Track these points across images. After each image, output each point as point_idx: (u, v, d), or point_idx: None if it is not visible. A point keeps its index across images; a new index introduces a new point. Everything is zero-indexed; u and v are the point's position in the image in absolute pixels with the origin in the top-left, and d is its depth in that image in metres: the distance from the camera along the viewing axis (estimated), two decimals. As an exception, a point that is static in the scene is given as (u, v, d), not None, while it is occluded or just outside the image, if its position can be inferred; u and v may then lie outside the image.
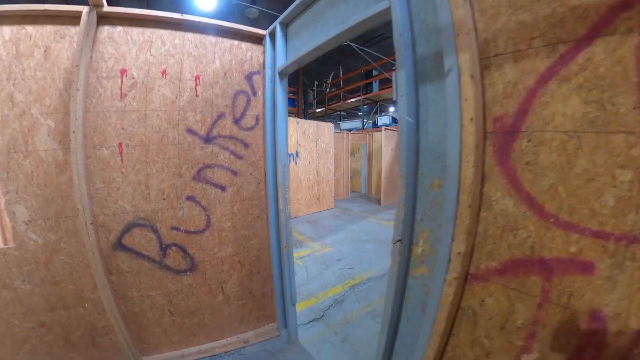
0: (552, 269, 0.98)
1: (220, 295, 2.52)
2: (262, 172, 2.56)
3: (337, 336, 2.75)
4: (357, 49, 8.22)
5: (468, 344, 1.20)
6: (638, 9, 0.81)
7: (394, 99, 1.31)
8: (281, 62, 2.31)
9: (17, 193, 1.98)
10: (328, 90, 14.28)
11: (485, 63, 1.10)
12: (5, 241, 2.05)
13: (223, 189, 2.42)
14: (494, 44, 1.08)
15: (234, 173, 2.45)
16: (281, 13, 2.25)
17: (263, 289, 2.68)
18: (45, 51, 1.98)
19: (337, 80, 13.89)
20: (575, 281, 0.94)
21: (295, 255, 4.77)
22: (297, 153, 7.39)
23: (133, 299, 2.28)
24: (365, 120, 13.67)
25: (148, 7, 8.32)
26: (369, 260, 4.58)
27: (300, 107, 13.53)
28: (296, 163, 7.40)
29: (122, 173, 2.13)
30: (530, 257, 1.02)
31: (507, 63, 1.05)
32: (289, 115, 11.79)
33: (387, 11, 1.34)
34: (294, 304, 2.61)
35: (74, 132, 1.93)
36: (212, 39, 2.31)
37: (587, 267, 0.92)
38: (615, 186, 0.85)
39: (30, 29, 1.98)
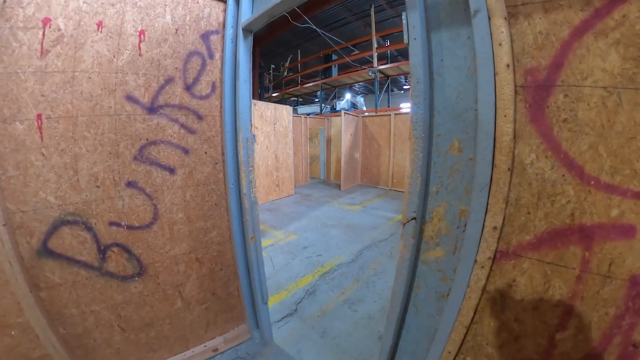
0: (593, 237, 0.92)
1: (178, 301, 2.17)
2: (220, 149, 2.20)
3: (315, 330, 2.59)
4: (318, 31, 7.95)
5: (493, 331, 1.09)
6: None
7: (405, 41, 1.11)
8: (246, 15, 1.99)
9: None
10: (285, 74, 13.89)
11: (512, 11, 0.98)
12: None
13: (172, 171, 2.02)
14: None
15: (186, 151, 2.06)
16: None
17: (228, 288, 2.38)
18: None
19: (294, 64, 13.62)
20: (616, 247, 0.88)
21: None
22: (254, 137, 6.98)
23: (72, 317, 1.83)
24: (323, 105, 13.55)
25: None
26: (337, 246, 4.49)
27: (256, 90, 13.01)
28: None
29: (43, 155, 1.64)
30: (570, 225, 0.95)
31: (536, 12, 0.95)
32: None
33: None
34: (266, 303, 2.38)
35: None
36: None
37: (628, 231, 0.87)
38: None
39: None
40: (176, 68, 1.96)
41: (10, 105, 1.56)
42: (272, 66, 14.24)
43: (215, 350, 2.29)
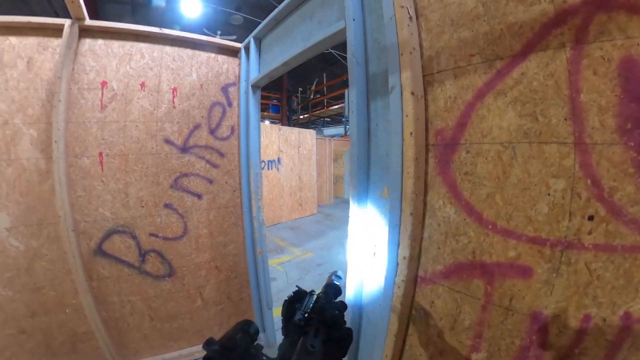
0: (493, 273, 1.03)
1: (198, 300, 2.53)
2: (237, 180, 2.59)
3: (315, 338, 2.85)
4: (338, 56, 8.48)
5: (423, 343, 1.24)
6: (569, 25, 0.87)
7: (346, 114, 1.47)
8: (254, 74, 2.37)
9: None
10: (312, 97, 14.22)
11: (429, 79, 1.16)
12: None
13: (199, 196, 2.46)
14: (437, 61, 1.14)
15: (210, 181, 2.49)
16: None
17: (241, 294, 2.69)
18: (28, 62, 2.00)
19: (320, 87, 13.72)
20: (515, 285, 0.98)
21: (276, 261, 4.81)
22: (279, 160, 7.43)
23: (113, 304, 2.27)
24: (347, 126, 13.83)
25: (133, 15, 8.27)
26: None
27: (284, 113, 13.54)
28: (278, 170, 7.39)
29: (102, 181, 2.14)
30: (472, 261, 1.07)
31: (448, 79, 1.11)
32: (273, 122, 11.81)
33: (343, 31, 1.41)
34: (271, 308, 2.63)
35: (56, 141, 1.95)
36: (189, 52, 2.36)
37: (525, 272, 0.96)
38: (549, 194, 0.90)
39: (14, 40, 1.99)
40: (202, 116, 2.42)
41: (80, 145, 2.08)
42: (300, 89, 14.50)
43: None
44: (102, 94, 2.14)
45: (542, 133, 0.92)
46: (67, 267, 2.12)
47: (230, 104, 2.54)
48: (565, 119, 0.88)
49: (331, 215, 8.50)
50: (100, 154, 2.13)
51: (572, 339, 0.90)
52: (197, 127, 2.42)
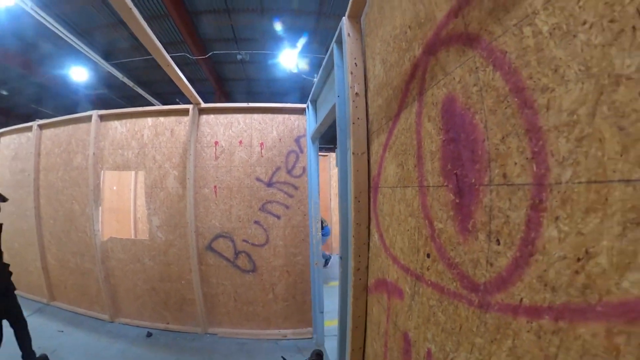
0: (389, 290, 1.28)
1: (271, 294, 3.36)
2: (306, 207, 3.37)
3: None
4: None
5: (370, 344, 1.55)
6: (417, 78, 1.01)
7: (335, 165, 2.00)
8: (311, 129, 3.15)
9: (154, 210, 3.48)
10: None
11: (371, 137, 1.54)
12: (145, 236, 3.57)
13: (279, 217, 3.36)
14: (372, 124, 1.51)
15: (287, 207, 3.37)
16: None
17: (303, 297, 3.36)
18: (171, 131, 3.48)
19: None
20: (397, 304, 1.19)
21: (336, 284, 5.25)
22: None
23: (211, 283, 3.39)
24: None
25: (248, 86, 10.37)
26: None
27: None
28: None
29: (215, 204, 3.35)
30: (383, 278, 1.35)
31: (376, 138, 1.46)
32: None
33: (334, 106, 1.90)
34: (322, 312, 3.17)
35: (188, 178, 3.29)
36: (270, 116, 3.38)
37: (400, 293, 1.16)
38: (408, 230, 1.10)
39: (162, 119, 3.54)
40: (281, 161, 3.35)
41: (202, 181, 3.32)
42: None
43: (284, 336, 3.30)
44: (215, 149, 3.42)
45: (405, 179, 1.13)
46: (188, 254, 3.38)
47: (301, 151, 3.41)
48: (415, 166, 1.03)
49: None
50: (215, 187, 3.37)
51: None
52: (278, 169, 3.39)
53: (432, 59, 0.92)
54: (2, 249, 2.70)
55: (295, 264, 3.39)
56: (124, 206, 5.29)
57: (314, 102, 3.18)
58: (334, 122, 1.94)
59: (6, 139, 5.02)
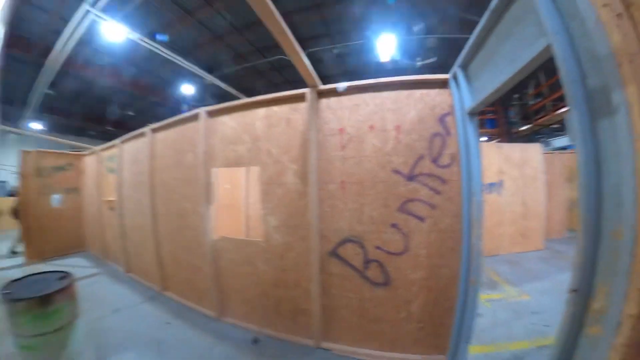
0: None
1: (403, 313, 2.75)
2: (459, 206, 2.60)
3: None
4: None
5: None
6: None
7: (570, 142, 1.25)
8: (468, 103, 2.41)
9: (271, 209, 3.15)
10: (531, 102, 11.63)
11: None
12: (259, 236, 3.24)
13: (422, 220, 2.68)
14: None
15: (432, 207, 2.66)
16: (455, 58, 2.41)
17: (442, 319, 2.67)
18: (286, 121, 3.09)
19: (540, 88, 11.12)
20: None
21: (485, 297, 4.30)
22: (500, 182, 6.54)
23: (333, 295, 2.93)
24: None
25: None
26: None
27: (502, 127, 12.10)
28: (499, 193, 6.50)
29: (343, 202, 2.86)
30: None
31: None
32: (491, 140, 10.73)
33: (548, 49, 1.26)
34: (468, 343, 2.47)
35: (310, 173, 2.87)
36: (404, 92, 2.74)
37: None
38: None
39: (275, 108, 3.17)
40: (424, 147, 2.68)
41: (327, 175, 2.88)
42: (515, 95, 12.09)
43: None
44: (341, 137, 2.90)
45: None
46: (308, 260, 2.97)
47: (448, 133, 2.66)
48: None
49: (562, 253, 6.64)
50: (342, 182, 2.87)
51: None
52: (420, 157, 2.71)
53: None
54: None
55: (439, 279, 2.69)
56: (235, 204, 5.25)
57: (465, 68, 2.46)
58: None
59: (127, 146, 5.51)
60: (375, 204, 2.78)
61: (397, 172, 2.73)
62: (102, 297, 4.61)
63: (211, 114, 3.71)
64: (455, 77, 2.58)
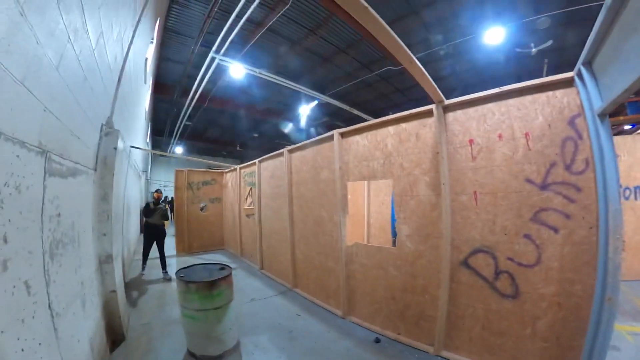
0: None
1: (529, 329, 2.73)
2: (595, 216, 2.48)
3: None
4: None
5: None
6: None
7: None
8: (597, 104, 2.37)
9: (404, 218, 3.64)
10: None
11: None
12: (379, 242, 3.80)
13: (556, 231, 2.66)
14: None
15: (567, 216, 2.62)
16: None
17: (571, 341, 2.52)
18: (416, 136, 3.58)
19: None
20: None
21: (628, 328, 3.77)
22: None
23: (460, 304, 3.15)
24: None
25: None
26: None
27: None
28: (637, 199, 5.58)
29: (476, 213, 3.10)
30: None
31: None
32: (633, 131, 8.92)
33: None
34: None
35: (443, 184, 3.26)
36: (529, 97, 2.81)
37: None
38: None
39: (404, 125, 3.70)
40: (556, 153, 2.68)
41: (459, 186, 3.22)
42: None
43: None
44: (471, 148, 3.19)
45: None
46: (438, 267, 3.30)
47: (580, 136, 2.61)
48: None
49: None
50: (475, 192, 3.15)
51: None
52: (553, 164, 2.73)
53: None
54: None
55: (571, 295, 2.58)
56: (357, 213, 5.96)
57: (590, 64, 2.43)
58: None
59: (264, 164, 6.97)
60: (508, 214, 2.91)
61: (529, 181, 2.81)
62: (240, 288, 5.76)
63: (344, 135, 4.50)
64: (580, 75, 2.52)
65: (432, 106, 3.39)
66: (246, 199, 8.14)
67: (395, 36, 2.15)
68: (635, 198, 5.64)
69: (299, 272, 5.47)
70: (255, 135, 19.31)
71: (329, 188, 4.66)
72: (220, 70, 8.63)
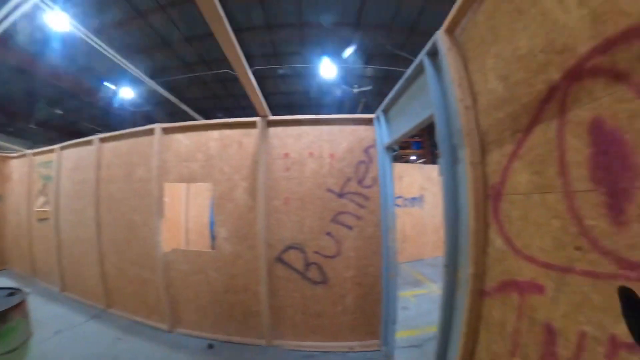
0: (522, 289, 1.44)
1: (339, 306, 3.50)
2: (378, 217, 3.51)
3: (429, 361, 3.24)
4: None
5: (485, 347, 1.70)
6: (557, 99, 1.21)
7: (439, 175, 2.05)
8: (386, 139, 3.34)
9: (222, 221, 3.72)
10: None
11: (485, 148, 1.72)
12: (211, 247, 3.74)
13: (350, 228, 3.53)
14: (487, 134, 1.69)
15: (358, 218, 3.54)
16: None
17: (373, 309, 3.48)
18: (239, 143, 3.75)
19: None
20: (535, 299, 1.35)
21: (411, 292, 5.34)
22: (422, 197, 8.04)
23: (280, 296, 3.57)
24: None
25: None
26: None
27: (428, 148, 13.85)
28: (421, 207, 7.99)
29: (287, 215, 3.58)
30: (511, 279, 1.52)
31: (496, 148, 1.63)
32: (419, 159, 12.40)
33: (431, 117, 2.11)
34: (394, 324, 3.30)
35: (259, 190, 3.53)
36: (338, 127, 3.62)
37: (540, 288, 1.32)
38: (551, 231, 1.26)
39: (228, 131, 3.82)
40: (351, 172, 3.56)
41: (273, 192, 3.56)
42: None
43: (351, 348, 3.42)
44: (286, 161, 3.65)
45: (544, 186, 1.30)
46: (256, 266, 3.58)
47: (370, 161, 3.60)
48: (557, 174, 1.22)
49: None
50: (286, 198, 3.60)
51: (573, 352, 1.14)
52: (348, 179, 3.59)
53: (575, 84, 1.14)
54: None
55: (367, 276, 3.52)
56: (174, 217, 5.51)
57: (386, 112, 3.38)
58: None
59: (67, 152, 5.49)
60: (313, 217, 3.55)
61: (330, 190, 3.56)
62: (39, 319, 4.25)
63: (166, 131, 4.11)
64: (378, 118, 3.50)
65: (258, 119, 3.66)
66: (39, 197, 6.26)
67: (238, 47, 2.30)
68: (412, 205, 8.01)
69: (112, 288, 4.63)
70: (60, 112, 14.44)
71: (144, 189, 4.16)
72: (34, 11, 6.18)
